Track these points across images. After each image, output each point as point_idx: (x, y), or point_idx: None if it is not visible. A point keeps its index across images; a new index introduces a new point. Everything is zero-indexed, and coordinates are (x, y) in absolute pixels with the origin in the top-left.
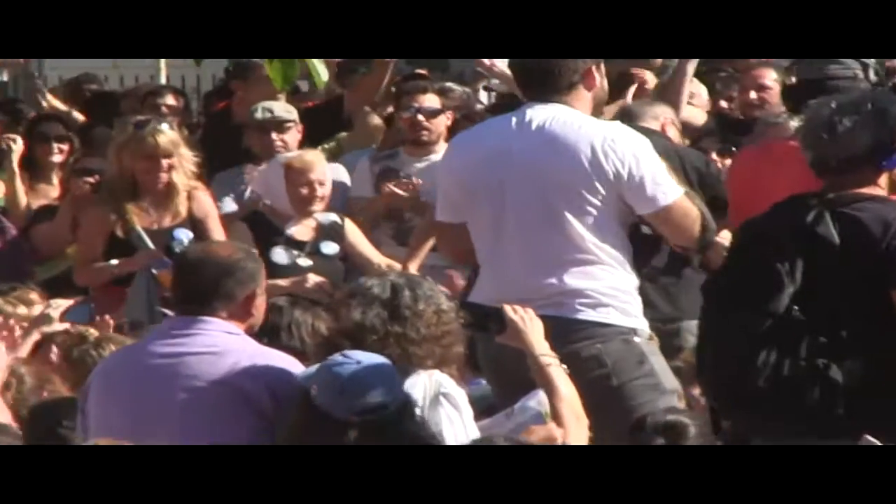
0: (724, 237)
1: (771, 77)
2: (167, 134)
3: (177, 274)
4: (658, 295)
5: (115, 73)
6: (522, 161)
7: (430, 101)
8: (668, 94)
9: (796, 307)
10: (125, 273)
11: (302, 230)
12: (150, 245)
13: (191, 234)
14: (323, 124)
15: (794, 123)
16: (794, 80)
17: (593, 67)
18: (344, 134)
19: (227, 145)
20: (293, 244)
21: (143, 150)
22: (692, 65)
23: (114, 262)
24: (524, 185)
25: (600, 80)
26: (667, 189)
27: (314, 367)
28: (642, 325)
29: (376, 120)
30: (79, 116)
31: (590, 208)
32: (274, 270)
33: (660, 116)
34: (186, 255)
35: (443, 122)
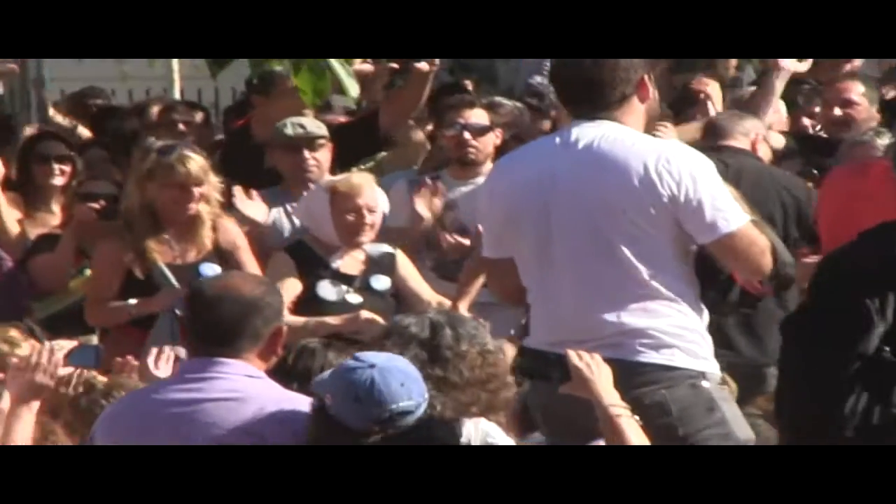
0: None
1: (858, 91)
2: (196, 160)
3: (192, 311)
4: (739, 333)
5: (123, 86)
6: (569, 185)
7: (478, 116)
8: (750, 111)
9: (887, 348)
10: (145, 314)
11: (350, 263)
12: (174, 283)
13: (218, 269)
14: (356, 143)
15: (883, 141)
16: (893, 93)
17: (646, 76)
18: (384, 153)
19: (247, 166)
20: (341, 278)
21: (171, 178)
22: (782, 79)
23: (132, 301)
24: (571, 211)
25: (653, 91)
26: (729, 215)
27: (327, 373)
28: (712, 367)
29: (420, 136)
30: (84, 132)
31: (645, 236)
32: (320, 307)
33: (750, 132)
34: (203, 289)
35: (491, 140)
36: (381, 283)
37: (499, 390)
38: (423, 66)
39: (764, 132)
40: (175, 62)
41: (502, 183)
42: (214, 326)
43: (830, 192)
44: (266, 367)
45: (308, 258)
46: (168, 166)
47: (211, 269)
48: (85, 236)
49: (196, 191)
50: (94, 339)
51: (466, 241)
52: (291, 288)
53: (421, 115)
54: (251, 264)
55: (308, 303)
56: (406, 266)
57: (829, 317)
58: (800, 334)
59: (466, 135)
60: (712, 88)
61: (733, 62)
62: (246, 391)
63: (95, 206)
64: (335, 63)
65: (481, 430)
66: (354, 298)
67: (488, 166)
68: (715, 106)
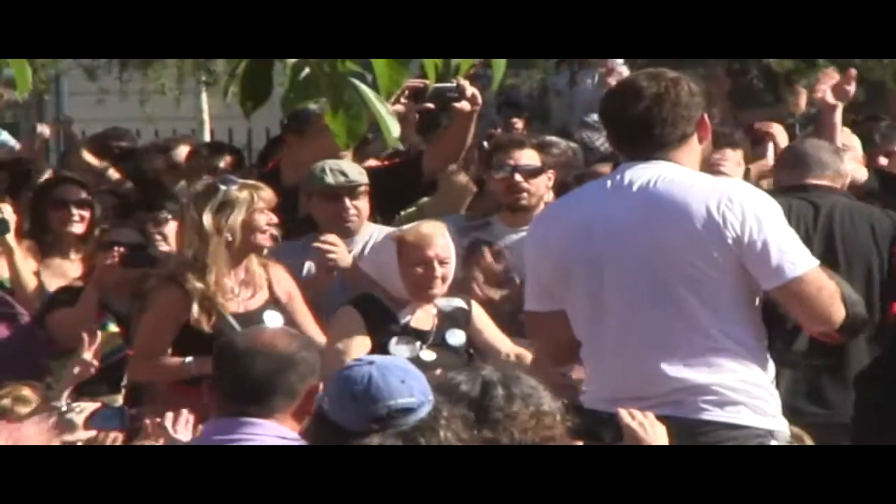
0: None
1: None
2: (266, 188)
3: (220, 366)
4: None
5: (148, 127)
6: (623, 229)
7: (529, 157)
8: None
9: None
10: (203, 373)
11: (422, 317)
12: None
13: (281, 318)
14: (399, 188)
15: None
16: None
17: (706, 115)
18: (426, 199)
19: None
20: (413, 334)
21: (253, 207)
22: (837, 112)
23: (189, 359)
24: (626, 257)
25: (711, 130)
26: (795, 258)
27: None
28: (781, 425)
29: (464, 179)
30: (115, 174)
31: (708, 281)
32: None
33: (843, 173)
34: (233, 343)
35: (544, 182)
36: (456, 338)
37: None
38: (464, 105)
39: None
40: (204, 102)
41: (551, 230)
42: (245, 382)
43: None
44: (300, 429)
45: (377, 313)
46: (249, 195)
47: (276, 318)
48: (108, 289)
49: (275, 219)
50: (119, 400)
51: (496, 296)
52: (361, 346)
53: (469, 156)
54: (307, 316)
55: None
56: (481, 317)
57: None
58: (878, 388)
59: (518, 177)
60: (777, 130)
61: (803, 99)
62: None
63: (118, 255)
64: (376, 102)
65: None
66: (428, 356)
67: (540, 209)
68: (778, 147)
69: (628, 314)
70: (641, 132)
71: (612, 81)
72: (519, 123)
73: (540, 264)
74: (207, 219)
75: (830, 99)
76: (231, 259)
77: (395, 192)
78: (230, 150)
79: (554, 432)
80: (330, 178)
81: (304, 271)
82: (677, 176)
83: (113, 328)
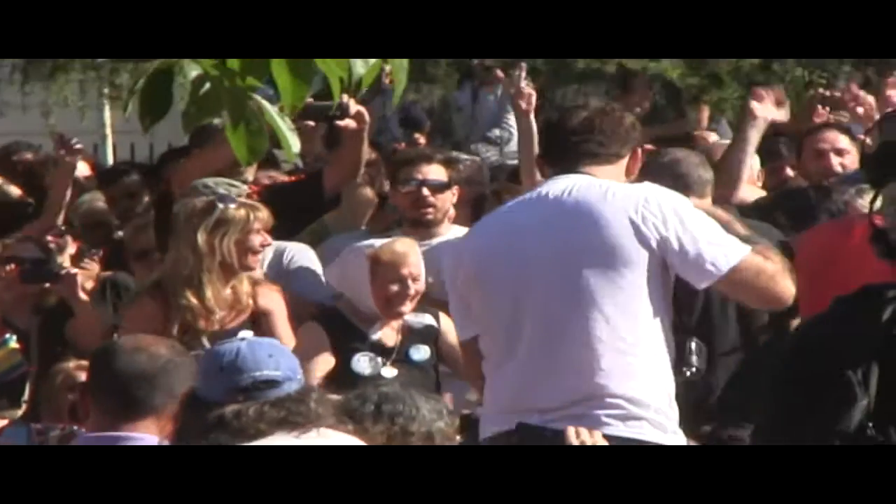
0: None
1: (843, 140)
2: (261, 207)
3: (99, 370)
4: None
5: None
6: (539, 238)
7: (437, 172)
8: (727, 167)
9: (871, 424)
10: None
11: (386, 333)
12: None
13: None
14: (300, 204)
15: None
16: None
17: (639, 150)
18: (329, 214)
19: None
20: (378, 350)
21: (249, 226)
22: (758, 129)
23: None
24: (543, 267)
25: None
26: (727, 250)
27: None
28: (680, 441)
29: (369, 193)
30: (14, 190)
31: (626, 289)
32: (354, 382)
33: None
34: (113, 348)
35: (449, 198)
36: (419, 353)
37: None
38: (348, 123)
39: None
40: (107, 115)
41: (469, 245)
42: (124, 385)
43: (810, 251)
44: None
45: (340, 329)
46: (245, 214)
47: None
48: (7, 304)
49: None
50: (19, 415)
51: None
52: (323, 364)
53: (373, 170)
54: (285, 333)
55: (341, 378)
56: (451, 332)
57: (806, 389)
58: (776, 409)
59: (425, 192)
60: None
61: (705, 115)
62: None
63: (16, 270)
64: (276, 118)
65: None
66: (389, 372)
67: (445, 227)
68: None
69: (544, 324)
70: (578, 141)
71: (523, 104)
72: (421, 138)
73: (462, 287)
74: (202, 237)
75: (761, 112)
76: (222, 277)
77: (298, 207)
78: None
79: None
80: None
81: None
82: (593, 183)
83: (13, 345)
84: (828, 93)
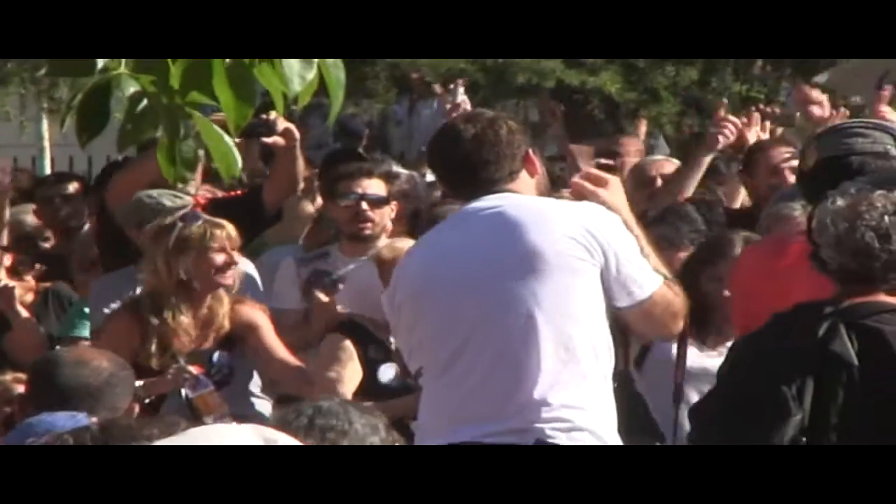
0: None
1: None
2: (228, 224)
3: (39, 382)
4: None
5: None
6: (477, 254)
7: (376, 187)
8: (673, 189)
9: (804, 439)
10: (151, 397)
11: None
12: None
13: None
14: (242, 218)
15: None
16: (807, 159)
17: (531, 151)
18: (271, 229)
19: (115, 242)
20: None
21: (212, 244)
22: (711, 156)
23: (138, 382)
24: (480, 283)
25: (541, 166)
26: (650, 277)
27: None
28: None
29: (310, 208)
30: None
31: (566, 301)
32: (380, 393)
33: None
34: (55, 359)
35: (388, 213)
36: None
37: None
38: (277, 140)
39: None
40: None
41: (405, 267)
42: (64, 396)
43: (745, 269)
44: None
45: (363, 339)
46: (203, 233)
47: (223, 359)
48: None
49: (236, 256)
50: None
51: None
52: (353, 372)
53: (309, 185)
54: (274, 343)
55: (368, 389)
56: None
57: (742, 404)
58: (711, 423)
59: (364, 206)
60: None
61: (643, 129)
62: None
63: None
64: (216, 134)
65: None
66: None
67: (382, 241)
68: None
69: (483, 337)
70: (467, 176)
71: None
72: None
73: (404, 312)
74: (160, 257)
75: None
76: (190, 297)
77: (241, 222)
78: (75, 178)
79: None
80: (150, 204)
81: None
82: (523, 201)
83: None
84: (768, 108)
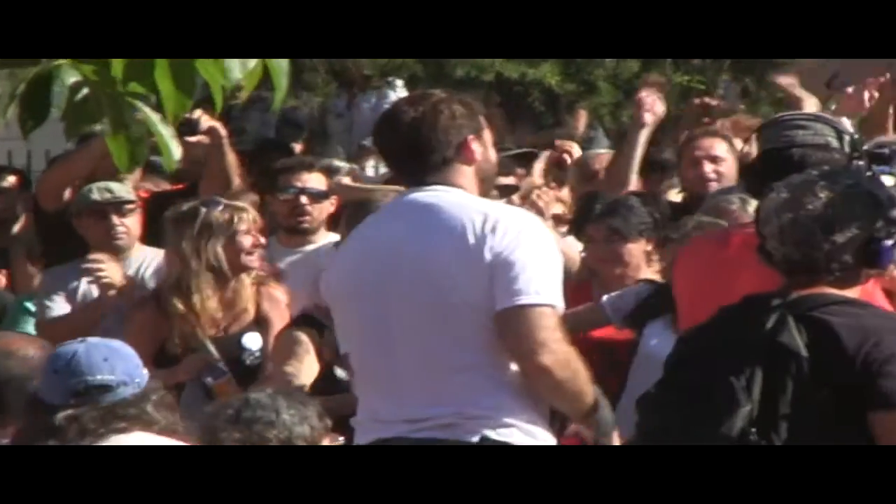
0: None
1: (722, 147)
2: (251, 209)
3: None
4: None
5: None
6: (394, 253)
7: (316, 181)
8: (616, 175)
9: (753, 430)
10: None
11: None
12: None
13: (261, 340)
14: None
15: (750, 209)
16: (748, 150)
17: (470, 138)
18: None
19: (59, 235)
20: None
21: (238, 228)
22: (646, 133)
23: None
24: (399, 281)
25: (483, 152)
26: (540, 288)
27: None
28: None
29: (252, 199)
30: None
31: (481, 302)
32: (338, 388)
33: None
34: None
35: (327, 208)
36: None
37: None
38: (201, 139)
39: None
40: None
41: (334, 266)
42: None
43: (690, 263)
44: None
45: (321, 334)
46: (231, 217)
47: (254, 342)
48: None
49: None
50: None
51: None
52: (310, 367)
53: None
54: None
55: (327, 384)
56: None
57: (690, 396)
58: (657, 413)
59: (303, 200)
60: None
61: (583, 121)
62: None
63: None
64: (158, 124)
65: None
66: None
67: (321, 234)
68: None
69: (408, 337)
70: (404, 160)
71: None
72: (298, 146)
73: (335, 303)
74: (187, 243)
75: (648, 119)
76: (216, 282)
77: None
78: (12, 171)
79: None
80: (96, 195)
81: (79, 295)
82: (449, 198)
83: None
84: (708, 100)
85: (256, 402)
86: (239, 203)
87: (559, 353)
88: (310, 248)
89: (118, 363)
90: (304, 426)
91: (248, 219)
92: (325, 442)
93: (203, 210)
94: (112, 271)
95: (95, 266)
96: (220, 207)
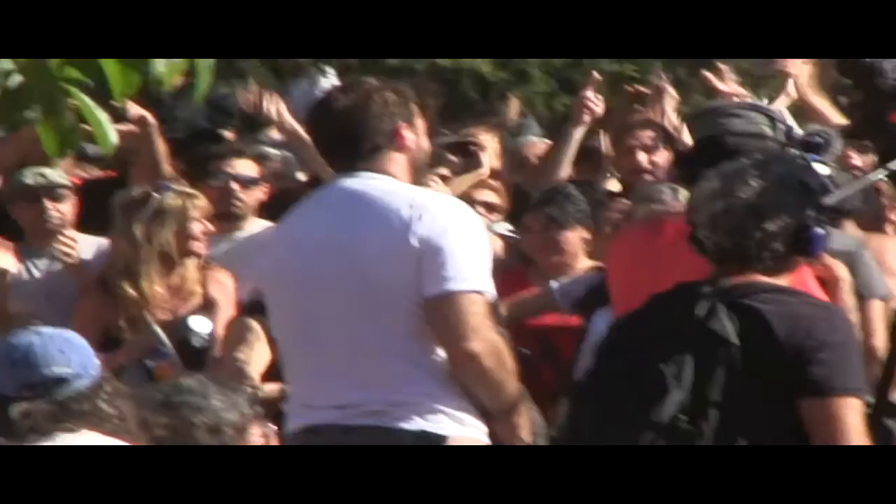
0: None
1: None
2: (200, 196)
3: None
4: None
5: None
6: (321, 241)
7: (246, 168)
8: (549, 167)
9: (684, 417)
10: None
11: None
12: (166, 341)
13: (209, 324)
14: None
15: (681, 198)
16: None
17: (402, 125)
18: None
19: None
20: None
21: (189, 214)
22: (583, 129)
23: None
24: (327, 269)
25: (415, 140)
26: (469, 275)
27: None
28: (480, 435)
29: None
30: None
31: (409, 290)
32: None
33: None
34: None
35: (257, 195)
36: None
37: None
38: (130, 128)
39: None
40: None
41: (264, 257)
42: None
43: (622, 251)
44: None
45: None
46: (182, 203)
47: (201, 324)
48: None
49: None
50: None
51: None
52: (261, 354)
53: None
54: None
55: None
56: None
57: (620, 383)
58: (588, 401)
59: (234, 186)
60: (487, 140)
61: (515, 109)
62: None
63: None
64: (94, 109)
65: None
66: None
67: (250, 221)
68: (490, 158)
69: (336, 325)
70: (336, 146)
71: None
72: (229, 133)
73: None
74: (139, 228)
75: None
76: (164, 267)
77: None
78: None
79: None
80: (30, 180)
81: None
82: (376, 185)
83: None
84: (642, 88)
85: (187, 388)
86: (189, 189)
87: (488, 341)
88: (239, 234)
89: (73, 355)
90: (233, 412)
91: (200, 205)
92: (255, 429)
93: (155, 196)
94: (73, 252)
95: (66, 249)
96: (172, 194)
